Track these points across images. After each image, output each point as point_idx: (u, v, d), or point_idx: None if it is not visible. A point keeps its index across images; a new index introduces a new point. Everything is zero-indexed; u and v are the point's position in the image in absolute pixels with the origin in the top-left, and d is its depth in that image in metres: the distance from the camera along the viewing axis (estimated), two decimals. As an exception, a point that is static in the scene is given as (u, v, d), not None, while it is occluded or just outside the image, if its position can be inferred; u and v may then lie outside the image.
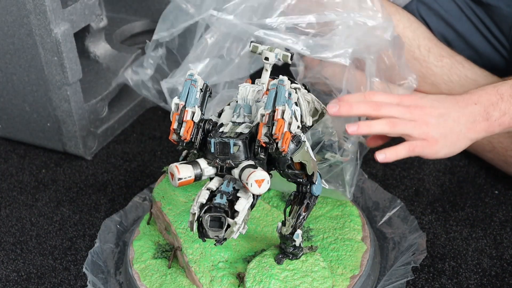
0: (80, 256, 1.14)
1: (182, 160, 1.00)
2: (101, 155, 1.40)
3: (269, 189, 1.11)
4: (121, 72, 1.43)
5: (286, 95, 0.83)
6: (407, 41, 1.33)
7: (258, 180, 0.78)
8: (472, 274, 1.06)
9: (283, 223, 0.93)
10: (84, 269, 1.03)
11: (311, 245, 0.99)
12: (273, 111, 0.82)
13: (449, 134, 1.04)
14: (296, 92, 0.92)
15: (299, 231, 0.93)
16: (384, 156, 1.04)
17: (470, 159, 1.31)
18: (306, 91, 0.97)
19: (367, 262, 1.00)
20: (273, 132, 0.80)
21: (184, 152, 1.00)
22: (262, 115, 0.82)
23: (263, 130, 0.81)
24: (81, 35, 1.41)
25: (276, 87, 0.84)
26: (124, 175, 1.33)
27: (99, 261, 1.07)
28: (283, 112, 0.81)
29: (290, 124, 0.82)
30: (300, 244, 0.95)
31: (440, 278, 1.05)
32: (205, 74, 1.21)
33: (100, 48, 1.45)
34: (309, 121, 0.95)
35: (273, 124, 0.81)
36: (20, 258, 1.14)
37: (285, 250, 0.96)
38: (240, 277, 0.96)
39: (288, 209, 0.94)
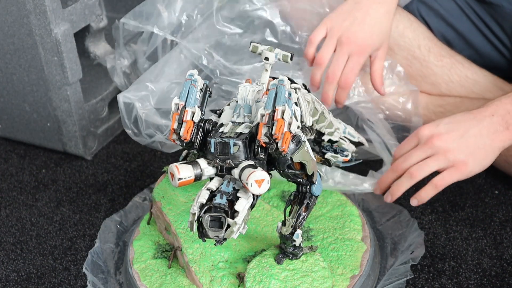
0: (80, 256, 1.14)
1: (182, 160, 1.00)
2: (101, 155, 1.40)
3: (269, 189, 1.12)
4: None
5: (286, 95, 0.83)
6: (407, 41, 1.33)
7: (258, 180, 0.78)
8: (472, 274, 1.06)
9: (283, 223, 0.93)
10: (84, 269, 1.03)
11: (311, 245, 0.99)
12: (273, 111, 0.82)
13: (476, 151, 1.05)
14: (296, 92, 0.92)
15: (299, 231, 0.94)
16: (416, 201, 1.10)
17: (470, 159, 1.31)
18: (306, 91, 0.97)
19: (367, 262, 1.00)
20: (273, 132, 0.80)
21: (184, 152, 1.01)
22: (262, 115, 0.82)
23: (263, 130, 0.81)
24: (81, 35, 1.41)
25: (276, 87, 0.84)
26: (124, 175, 1.33)
27: (99, 261, 1.07)
28: (283, 112, 0.81)
29: (290, 124, 0.82)
30: (300, 244, 0.95)
31: (440, 278, 1.05)
32: (158, 97, 1.22)
33: (100, 48, 1.45)
34: (309, 121, 0.95)
35: (273, 124, 0.81)
36: (20, 258, 1.14)
37: (285, 250, 0.96)
38: (240, 277, 0.96)
39: (288, 209, 0.94)
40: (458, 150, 1.05)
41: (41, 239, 1.18)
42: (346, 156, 1.09)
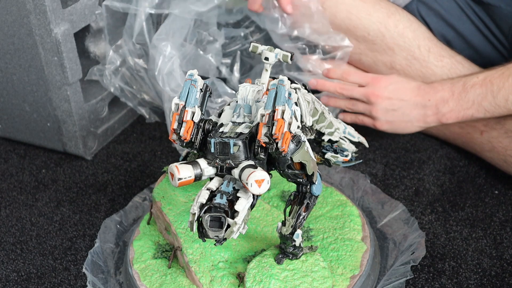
0: (80, 256, 1.14)
1: (182, 160, 1.00)
2: (101, 155, 1.40)
3: (269, 189, 1.12)
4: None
5: (286, 95, 0.83)
6: (407, 41, 1.34)
7: (258, 180, 0.78)
8: (472, 274, 1.06)
9: (283, 223, 0.93)
10: (84, 269, 1.03)
11: (311, 245, 0.99)
12: (273, 111, 0.82)
13: (395, 121, 1.27)
14: (296, 92, 0.92)
15: (299, 231, 0.93)
16: (327, 100, 1.33)
17: (470, 159, 1.31)
18: (306, 91, 0.97)
19: (367, 262, 1.00)
20: (273, 132, 0.80)
21: (184, 152, 1.01)
22: (262, 115, 0.82)
23: (263, 130, 0.81)
24: (81, 35, 1.41)
25: (276, 87, 0.84)
26: (124, 175, 1.33)
27: (99, 261, 1.07)
28: (283, 112, 0.81)
29: (290, 124, 0.82)
30: (300, 244, 0.95)
31: (440, 278, 1.05)
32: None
33: (100, 48, 1.45)
34: (309, 121, 0.95)
35: (273, 124, 0.81)
36: (20, 258, 1.14)
37: (285, 250, 0.96)
38: (240, 277, 0.96)
39: (288, 209, 0.94)
40: (381, 114, 1.26)
41: (41, 239, 1.18)
42: (346, 156, 1.09)
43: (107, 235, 1.12)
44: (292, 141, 0.86)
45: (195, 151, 0.87)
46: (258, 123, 0.83)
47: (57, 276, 1.10)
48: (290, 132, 0.82)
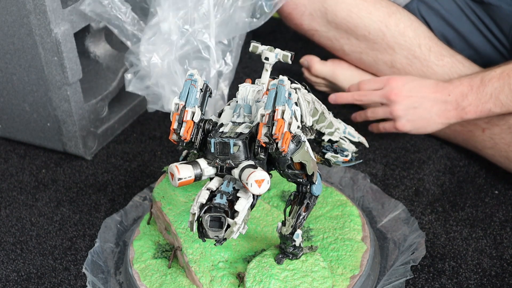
0: (80, 256, 1.14)
1: (182, 160, 1.00)
2: (101, 155, 1.40)
3: (269, 189, 1.12)
4: (120, 72, 1.44)
5: (286, 95, 0.83)
6: (408, 40, 1.34)
7: (258, 180, 0.78)
8: (472, 274, 1.06)
9: (283, 223, 0.93)
10: (84, 270, 1.03)
11: (311, 245, 0.99)
12: (273, 111, 0.82)
13: (417, 120, 1.26)
14: (296, 92, 0.92)
15: (299, 231, 0.93)
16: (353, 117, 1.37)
17: (470, 159, 1.31)
18: (306, 91, 0.97)
19: (367, 262, 1.00)
20: (273, 132, 0.80)
21: (184, 152, 1.01)
22: (262, 115, 0.82)
23: (263, 130, 0.81)
24: (81, 35, 1.41)
25: (276, 87, 0.84)
26: (124, 175, 1.33)
27: (99, 261, 1.07)
28: (283, 112, 0.81)
29: (290, 124, 0.82)
30: (300, 244, 0.95)
31: (440, 278, 1.05)
32: None
33: (100, 48, 1.45)
34: (309, 121, 0.95)
35: (273, 124, 0.81)
36: (20, 258, 1.14)
37: (285, 250, 0.96)
38: (240, 277, 0.96)
39: (288, 209, 0.94)
40: (402, 113, 1.26)
41: (41, 239, 1.18)
42: (346, 156, 1.09)
43: (107, 234, 1.12)
44: (292, 141, 0.86)
45: (195, 151, 0.87)
46: (258, 123, 0.82)
47: (57, 276, 1.10)
48: (290, 132, 0.82)
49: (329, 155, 1.07)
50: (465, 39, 1.39)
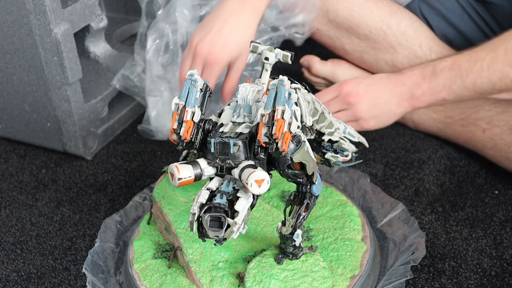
0: (80, 256, 1.14)
1: (182, 160, 1.00)
2: (101, 155, 1.40)
3: (269, 189, 1.12)
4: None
5: (286, 95, 0.83)
6: (409, 40, 1.34)
7: (258, 180, 0.78)
8: (472, 274, 1.06)
9: (283, 223, 0.93)
10: (84, 270, 1.03)
11: (311, 245, 0.99)
12: (273, 111, 0.82)
13: (379, 115, 1.29)
14: (296, 92, 0.92)
15: (299, 231, 0.93)
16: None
17: (470, 159, 1.31)
18: (306, 91, 0.97)
19: (367, 262, 1.00)
20: (273, 132, 0.80)
21: (184, 152, 1.01)
22: (262, 115, 0.82)
23: (263, 130, 0.81)
24: (81, 35, 1.41)
25: (276, 87, 0.84)
26: (124, 175, 1.33)
27: (99, 261, 1.07)
28: (283, 112, 0.81)
29: (290, 124, 0.82)
30: (300, 244, 0.95)
31: (440, 278, 1.05)
32: None
33: (100, 48, 1.45)
34: (309, 121, 0.95)
35: (273, 124, 0.81)
36: (20, 258, 1.14)
37: (285, 250, 0.96)
38: (240, 277, 0.96)
39: (288, 209, 0.93)
40: (365, 112, 1.28)
41: (41, 239, 1.18)
42: (346, 156, 1.09)
43: (107, 234, 1.12)
44: (292, 141, 0.86)
45: (195, 151, 0.87)
46: (258, 123, 0.82)
47: (57, 276, 1.10)
48: (290, 132, 0.82)
49: (329, 155, 1.07)
50: (467, 38, 1.39)
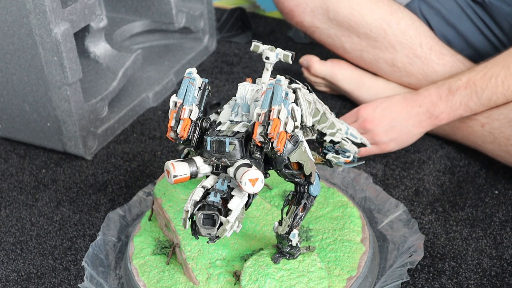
0: (80, 256, 1.14)
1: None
2: (101, 155, 1.40)
3: (270, 189, 1.12)
4: (120, 72, 1.44)
5: (283, 94, 0.83)
6: (409, 39, 1.34)
7: (252, 179, 0.78)
8: (472, 274, 1.05)
9: (280, 223, 0.93)
10: (83, 263, 1.03)
11: (309, 245, 0.99)
12: (269, 110, 0.81)
13: (398, 137, 1.29)
14: (296, 92, 0.92)
15: (295, 231, 0.93)
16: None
17: (470, 159, 1.31)
18: (308, 91, 0.97)
19: (365, 264, 1.00)
20: (268, 132, 0.80)
21: (186, 150, 1.00)
22: (258, 114, 0.82)
23: (258, 129, 0.81)
24: (81, 35, 1.41)
25: (273, 87, 0.83)
26: (124, 175, 1.33)
27: (100, 254, 1.07)
28: (279, 112, 0.81)
29: (286, 124, 0.81)
30: (297, 244, 0.95)
31: (440, 278, 1.05)
32: None
33: (100, 48, 1.45)
34: (309, 122, 0.95)
35: (268, 124, 0.81)
36: (20, 258, 1.14)
37: (282, 249, 0.96)
38: (237, 275, 0.96)
39: (285, 209, 0.93)
40: (383, 136, 1.29)
41: (41, 239, 1.18)
42: (348, 157, 1.08)
43: (110, 228, 1.13)
44: (289, 141, 0.86)
45: (192, 149, 0.87)
46: (255, 122, 0.82)
47: (57, 276, 1.10)
48: (287, 132, 0.82)
49: (330, 155, 1.07)
50: (466, 39, 1.39)
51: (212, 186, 0.82)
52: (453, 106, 1.24)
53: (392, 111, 1.28)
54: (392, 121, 1.28)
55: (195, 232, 0.80)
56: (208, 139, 0.83)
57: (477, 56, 1.38)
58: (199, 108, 0.87)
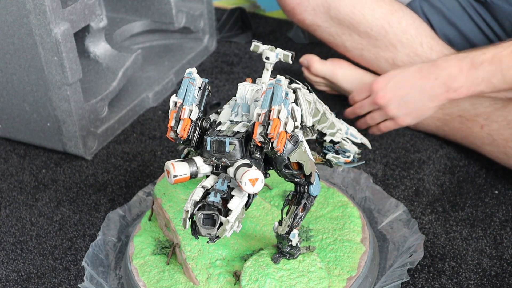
0: (80, 256, 1.14)
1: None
2: (101, 155, 1.40)
3: (270, 189, 1.12)
4: (120, 72, 1.44)
5: (283, 94, 0.83)
6: (410, 38, 1.34)
7: (252, 179, 0.78)
8: (472, 274, 1.05)
9: (280, 223, 0.93)
10: (83, 263, 1.03)
11: (309, 245, 0.99)
12: (269, 110, 0.82)
13: (413, 111, 1.26)
14: (296, 92, 0.92)
15: (295, 231, 0.93)
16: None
17: (470, 159, 1.31)
18: (308, 91, 0.97)
19: (365, 264, 1.00)
20: (268, 132, 0.80)
21: (186, 150, 1.00)
22: (258, 114, 0.82)
23: (258, 129, 0.81)
24: (81, 35, 1.41)
25: (273, 87, 0.83)
26: (124, 175, 1.33)
27: (100, 254, 1.07)
28: (279, 112, 0.81)
29: (286, 124, 0.81)
30: (297, 244, 0.95)
31: (440, 278, 1.05)
32: None
33: (100, 48, 1.45)
34: (309, 122, 0.95)
35: (268, 124, 0.81)
36: (20, 258, 1.14)
37: (282, 249, 0.96)
38: (237, 275, 0.96)
39: (285, 209, 0.93)
40: (397, 109, 1.26)
41: (41, 239, 1.18)
42: (348, 157, 1.08)
43: (110, 228, 1.13)
44: (289, 141, 0.86)
45: (192, 149, 0.87)
46: (255, 122, 0.82)
47: (57, 276, 1.10)
48: (287, 132, 0.82)
49: (330, 155, 1.07)
50: (467, 38, 1.39)
51: (212, 186, 0.82)
52: (475, 81, 1.18)
53: (405, 85, 1.25)
54: (404, 96, 1.25)
55: (195, 232, 0.80)
56: (208, 139, 0.83)
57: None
58: (199, 108, 0.87)
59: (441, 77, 1.21)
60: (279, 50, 0.92)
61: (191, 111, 0.85)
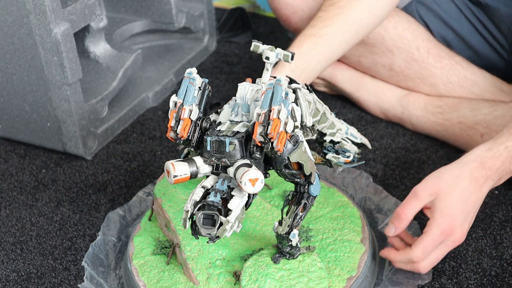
0: (80, 256, 1.14)
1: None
2: (101, 155, 1.40)
3: (270, 189, 1.12)
4: (120, 72, 1.44)
5: (283, 95, 0.83)
6: (407, 43, 1.34)
7: (252, 179, 0.78)
8: (472, 274, 1.05)
9: (280, 223, 0.93)
10: (83, 263, 1.03)
11: (309, 245, 0.99)
12: (269, 110, 0.82)
13: (471, 221, 1.02)
14: (296, 92, 0.92)
15: (295, 231, 0.93)
16: None
17: (470, 159, 1.31)
18: (308, 91, 0.97)
19: (365, 264, 1.00)
20: (268, 132, 0.80)
21: (186, 150, 1.01)
22: (258, 114, 0.82)
23: (258, 129, 0.81)
24: (81, 35, 1.41)
25: (273, 87, 0.83)
26: (124, 175, 1.33)
27: (100, 254, 1.07)
28: (279, 112, 0.81)
29: (286, 124, 0.82)
30: (297, 244, 0.95)
31: (440, 278, 1.05)
32: None
33: (100, 48, 1.45)
34: (309, 122, 0.95)
35: (268, 124, 0.81)
36: (20, 258, 1.14)
37: (282, 249, 0.96)
38: (237, 275, 0.96)
39: (285, 209, 0.93)
40: (462, 233, 1.00)
41: (41, 239, 1.18)
42: (348, 157, 1.08)
43: (110, 228, 1.13)
44: (289, 141, 0.86)
45: (192, 149, 0.87)
46: (255, 122, 0.82)
47: (57, 276, 1.10)
48: (287, 132, 0.82)
49: (330, 155, 1.07)
50: (464, 40, 1.39)
51: (212, 186, 0.82)
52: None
53: (470, 207, 1.00)
54: (469, 214, 1.01)
55: (195, 232, 0.80)
56: (208, 139, 0.83)
57: (476, 57, 1.38)
58: (199, 108, 0.87)
59: (497, 175, 1.02)
60: (279, 50, 0.92)
61: (191, 111, 0.85)
